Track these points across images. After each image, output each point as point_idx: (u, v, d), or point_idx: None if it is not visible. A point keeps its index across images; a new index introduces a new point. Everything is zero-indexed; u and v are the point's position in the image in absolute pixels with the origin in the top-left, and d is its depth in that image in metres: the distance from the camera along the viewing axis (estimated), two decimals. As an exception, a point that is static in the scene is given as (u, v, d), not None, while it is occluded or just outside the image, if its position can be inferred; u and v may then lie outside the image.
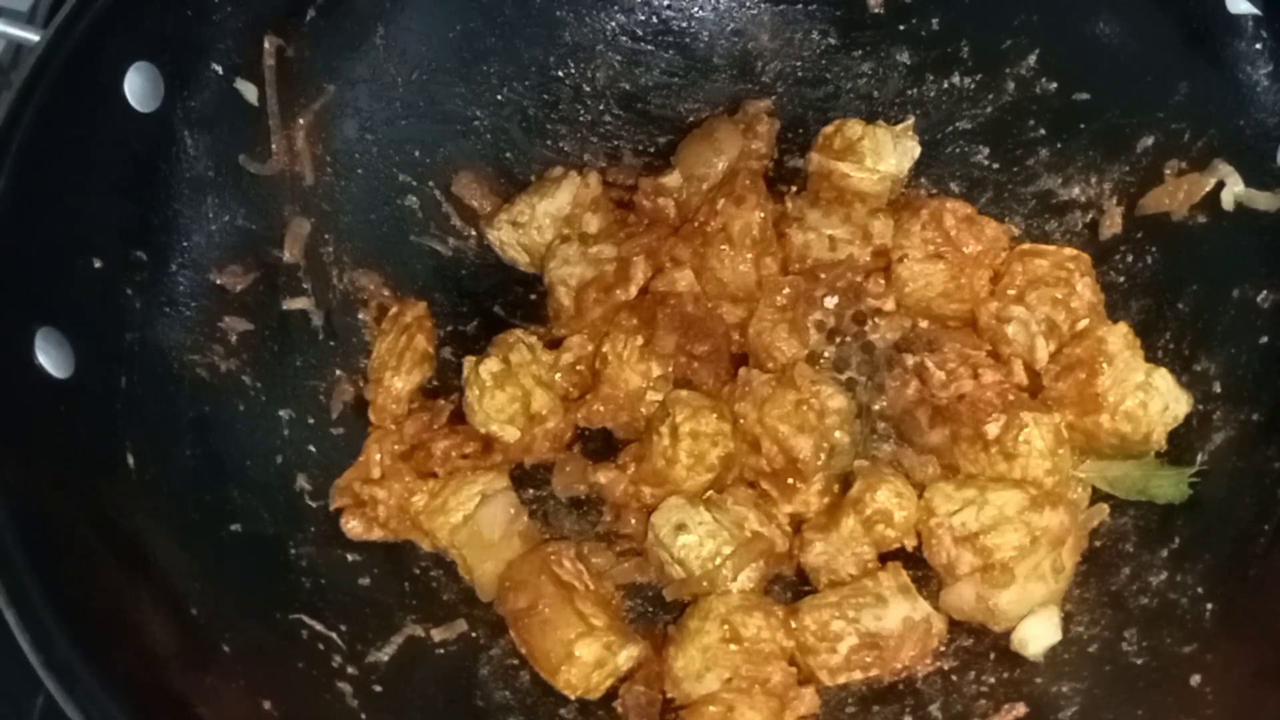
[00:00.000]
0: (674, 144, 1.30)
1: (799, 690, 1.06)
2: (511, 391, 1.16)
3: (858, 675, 1.07)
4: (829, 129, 1.26)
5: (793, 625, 1.08)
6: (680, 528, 1.10)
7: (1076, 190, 1.23)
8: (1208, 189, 1.13)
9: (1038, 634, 1.08)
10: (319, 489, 1.15)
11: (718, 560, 1.09)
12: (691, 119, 1.32)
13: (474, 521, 1.13)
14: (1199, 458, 1.11)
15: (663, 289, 1.19)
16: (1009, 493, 1.09)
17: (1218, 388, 1.12)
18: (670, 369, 1.18)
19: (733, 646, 1.06)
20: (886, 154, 1.23)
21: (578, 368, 1.20)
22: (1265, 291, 1.10)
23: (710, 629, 1.07)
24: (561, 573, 1.10)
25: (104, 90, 1.02)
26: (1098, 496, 1.13)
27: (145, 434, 1.02)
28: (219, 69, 1.10)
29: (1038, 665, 1.08)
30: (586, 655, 1.06)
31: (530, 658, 1.09)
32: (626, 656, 1.08)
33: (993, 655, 1.10)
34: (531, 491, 1.19)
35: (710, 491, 1.14)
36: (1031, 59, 1.23)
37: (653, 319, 1.18)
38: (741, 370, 1.17)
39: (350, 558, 1.14)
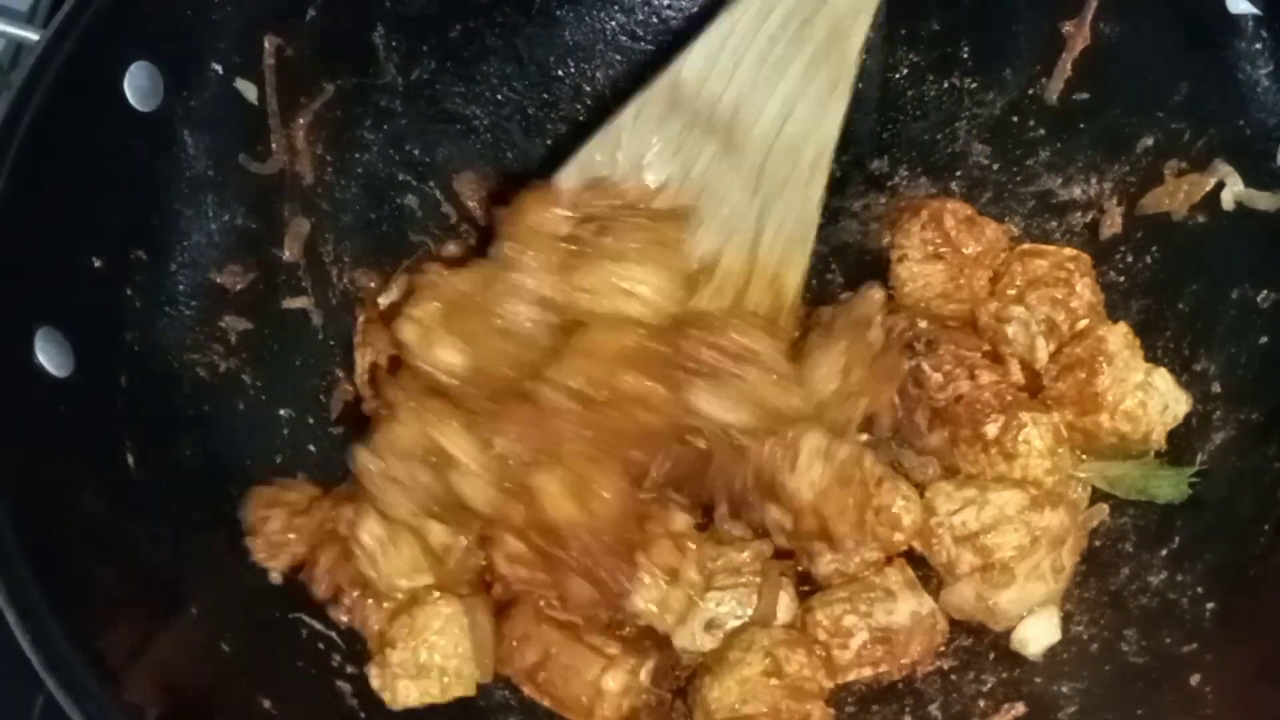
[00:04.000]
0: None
1: None
2: (408, 543, 1.07)
3: (867, 672, 1.07)
4: None
5: (805, 620, 1.07)
6: (711, 626, 1.08)
7: (1076, 190, 1.23)
8: (1208, 189, 1.13)
9: (1037, 634, 1.08)
10: (319, 488, 1.15)
11: (749, 614, 1.09)
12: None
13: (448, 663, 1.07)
14: (1199, 458, 1.11)
15: None
16: (1009, 492, 1.09)
17: (1217, 388, 1.12)
18: None
19: (774, 681, 1.04)
20: None
21: None
22: (1265, 291, 1.10)
23: (752, 660, 1.05)
24: (557, 614, 1.07)
25: (104, 90, 1.01)
26: (1098, 496, 1.13)
27: (145, 433, 1.02)
28: (219, 68, 1.10)
29: (1037, 665, 1.08)
30: (615, 686, 1.04)
31: (559, 708, 1.07)
32: (647, 672, 1.07)
33: (992, 655, 1.10)
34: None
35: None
36: (1032, 59, 1.23)
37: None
38: None
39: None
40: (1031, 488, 1.10)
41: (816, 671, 1.06)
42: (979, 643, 1.10)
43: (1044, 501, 1.08)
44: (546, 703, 1.08)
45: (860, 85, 1.29)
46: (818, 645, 1.07)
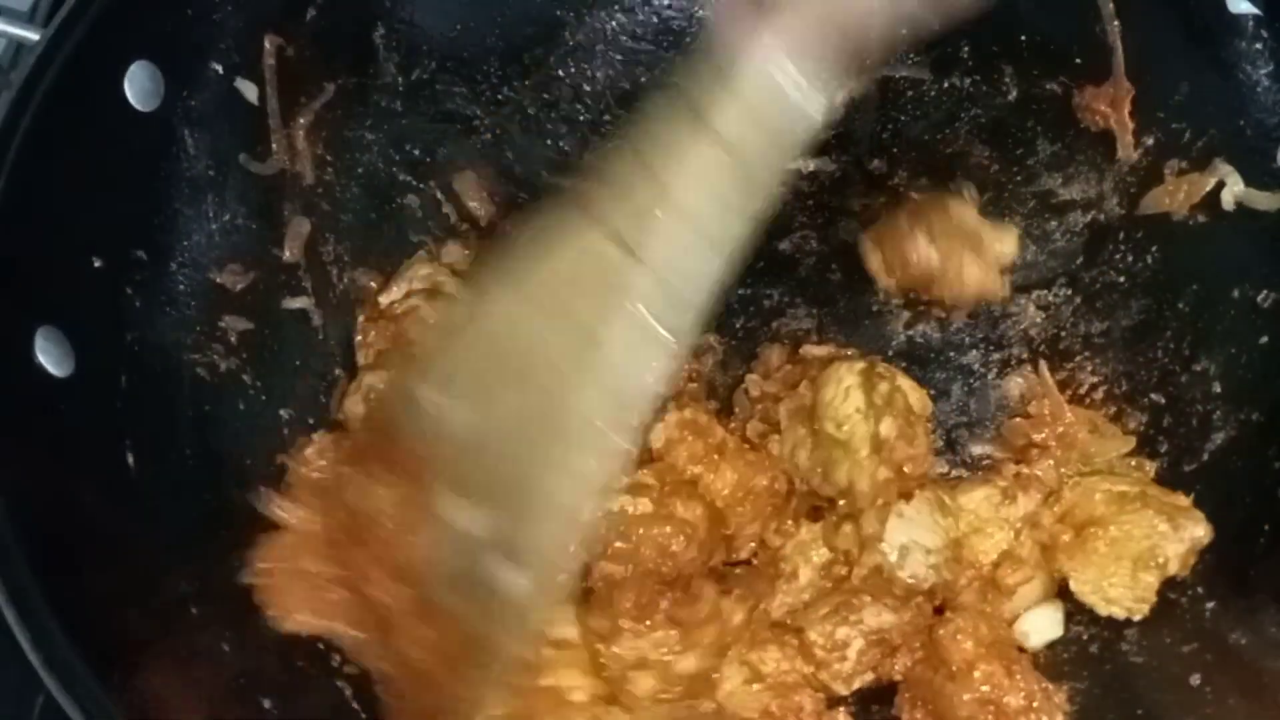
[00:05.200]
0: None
1: (831, 715, 1.06)
2: None
3: (869, 677, 1.06)
4: None
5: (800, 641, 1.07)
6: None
7: (1077, 190, 1.23)
8: (1208, 189, 1.13)
9: (1040, 627, 1.09)
10: (319, 488, 1.14)
11: None
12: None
13: None
14: (1201, 457, 1.11)
15: None
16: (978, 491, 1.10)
17: (1218, 388, 1.12)
18: None
19: (756, 686, 1.04)
20: None
21: None
22: (1265, 291, 1.10)
23: (731, 674, 1.04)
24: None
25: (104, 89, 1.01)
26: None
27: (145, 433, 1.02)
28: (219, 68, 1.10)
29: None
30: None
31: None
32: None
33: (992, 656, 1.10)
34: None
35: None
36: (1032, 59, 1.23)
37: None
38: None
39: (350, 557, 1.13)
40: (1000, 480, 1.11)
41: (794, 661, 1.05)
42: (979, 643, 1.10)
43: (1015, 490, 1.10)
44: None
45: (858, 85, 1.30)
46: (787, 634, 1.07)
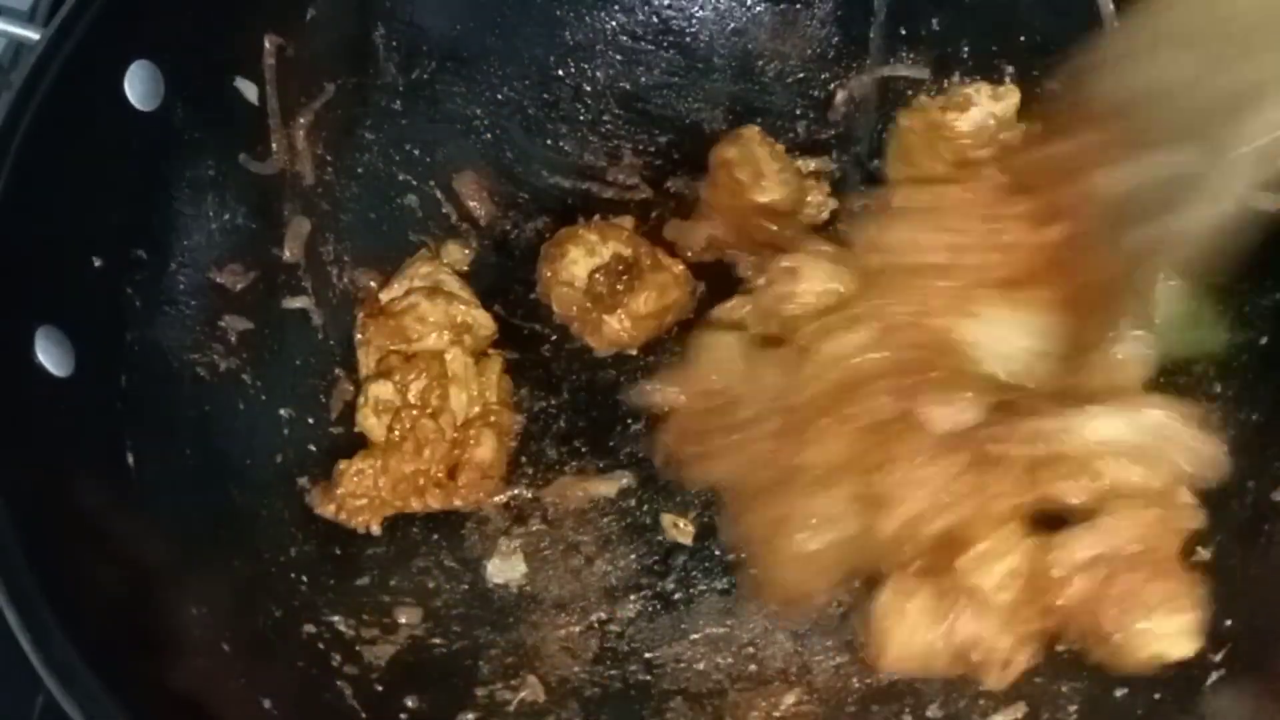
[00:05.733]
0: (674, 144, 1.30)
1: None
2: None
3: None
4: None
5: None
6: None
7: (1077, 190, 1.23)
8: (1209, 188, 1.13)
9: None
10: (319, 488, 1.15)
11: None
12: (691, 119, 1.32)
13: None
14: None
15: None
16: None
17: (1218, 388, 1.12)
18: None
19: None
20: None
21: None
22: (1266, 291, 1.10)
23: None
24: None
25: (104, 89, 1.01)
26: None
27: (145, 433, 1.02)
28: (219, 68, 1.10)
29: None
30: None
31: None
32: None
33: (992, 655, 1.10)
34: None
35: None
36: (1032, 59, 1.23)
37: None
38: None
39: (349, 557, 1.14)
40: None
41: None
42: (979, 643, 1.10)
43: None
44: None
45: (859, 85, 1.31)
46: None
